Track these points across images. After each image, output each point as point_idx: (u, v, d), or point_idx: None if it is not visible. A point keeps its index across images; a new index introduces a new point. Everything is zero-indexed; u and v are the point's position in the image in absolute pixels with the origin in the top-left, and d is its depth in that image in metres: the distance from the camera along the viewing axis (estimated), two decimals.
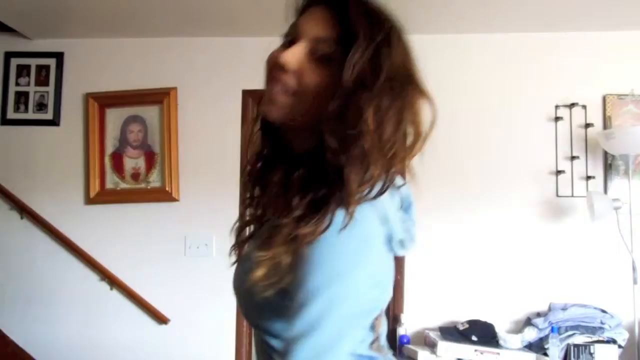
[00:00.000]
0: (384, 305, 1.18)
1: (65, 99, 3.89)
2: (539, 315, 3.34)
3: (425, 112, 1.19)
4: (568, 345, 3.13)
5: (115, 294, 3.71)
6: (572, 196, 3.50)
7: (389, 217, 1.08)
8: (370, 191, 1.02)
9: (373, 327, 1.16)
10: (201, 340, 3.65)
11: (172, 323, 3.66)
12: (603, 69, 3.56)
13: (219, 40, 3.80)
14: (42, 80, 3.90)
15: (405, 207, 1.25)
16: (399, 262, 3.57)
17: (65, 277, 3.76)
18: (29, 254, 3.80)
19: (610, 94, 3.52)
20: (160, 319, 3.66)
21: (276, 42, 3.87)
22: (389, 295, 1.16)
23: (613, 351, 3.11)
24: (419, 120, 1.18)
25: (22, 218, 3.79)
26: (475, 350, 3.09)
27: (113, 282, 3.70)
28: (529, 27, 3.55)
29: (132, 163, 3.79)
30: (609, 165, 3.50)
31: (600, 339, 3.15)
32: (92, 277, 3.74)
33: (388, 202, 1.09)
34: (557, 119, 3.55)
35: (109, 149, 3.81)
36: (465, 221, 3.56)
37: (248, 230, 1.26)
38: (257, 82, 4.03)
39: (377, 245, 1.05)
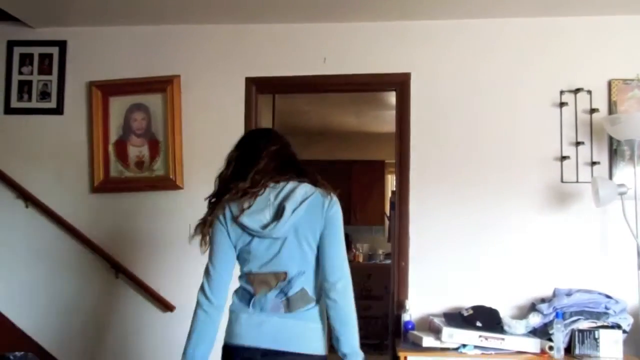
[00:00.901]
0: (243, 265, 2.22)
1: (69, 88, 3.89)
2: (543, 301, 3.34)
3: None
4: (572, 331, 3.14)
5: (121, 282, 3.73)
6: (577, 182, 3.49)
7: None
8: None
9: (245, 278, 2.20)
10: None
11: (177, 310, 3.68)
12: (608, 53, 3.53)
13: (222, 28, 3.79)
14: (45, 69, 3.90)
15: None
16: (402, 248, 3.59)
17: (71, 265, 3.78)
18: (34, 243, 3.81)
19: (616, 79, 3.50)
20: (166, 306, 3.67)
21: (279, 29, 3.87)
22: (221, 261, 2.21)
23: (618, 336, 3.11)
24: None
25: (27, 207, 3.81)
26: (480, 336, 3.10)
27: (119, 269, 3.71)
28: (533, 11, 3.52)
29: (136, 151, 3.79)
30: (614, 150, 3.49)
31: (605, 324, 3.16)
32: (98, 265, 3.75)
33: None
34: (562, 104, 3.53)
35: (113, 137, 3.81)
36: (469, 207, 3.55)
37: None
38: (261, 69, 4.03)
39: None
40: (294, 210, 2.10)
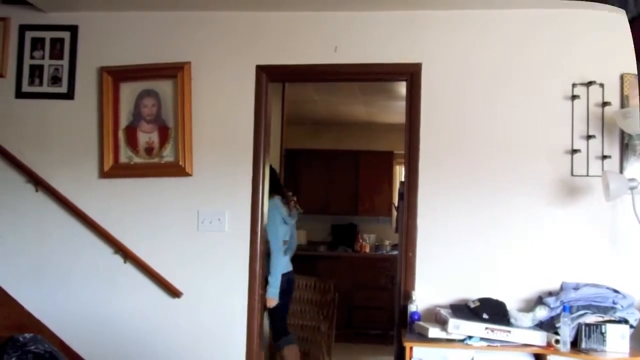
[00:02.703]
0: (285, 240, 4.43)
1: (80, 73, 3.89)
2: (550, 294, 3.33)
3: None
4: (579, 325, 3.13)
5: (129, 266, 3.75)
6: (588, 175, 3.47)
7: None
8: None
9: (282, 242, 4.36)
10: (213, 313, 3.69)
11: (184, 296, 3.70)
12: (621, 47, 3.48)
13: (233, 15, 3.78)
14: (56, 54, 3.91)
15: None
16: (410, 239, 3.59)
17: (80, 250, 3.80)
18: (43, 227, 3.84)
19: (628, 73, 3.47)
20: (173, 292, 3.69)
21: (291, 17, 3.89)
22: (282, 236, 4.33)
23: (624, 331, 3.11)
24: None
25: (37, 191, 3.83)
26: (486, 328, 3.10)
27: (127, 255, 3.73)
28: (546, 3, 3.49)
29: (146, 137, 3.80)
30: (625, 144, 3.46)
31: (612, 318, 3.15)
32: (106, 250, 3.78)
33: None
34: (573, 97, 3.50)
35: (123, 123, 3.82)
36: (478, 199, 3.54)
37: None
38: (271, 57, 4.03)
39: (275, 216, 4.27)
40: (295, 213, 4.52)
